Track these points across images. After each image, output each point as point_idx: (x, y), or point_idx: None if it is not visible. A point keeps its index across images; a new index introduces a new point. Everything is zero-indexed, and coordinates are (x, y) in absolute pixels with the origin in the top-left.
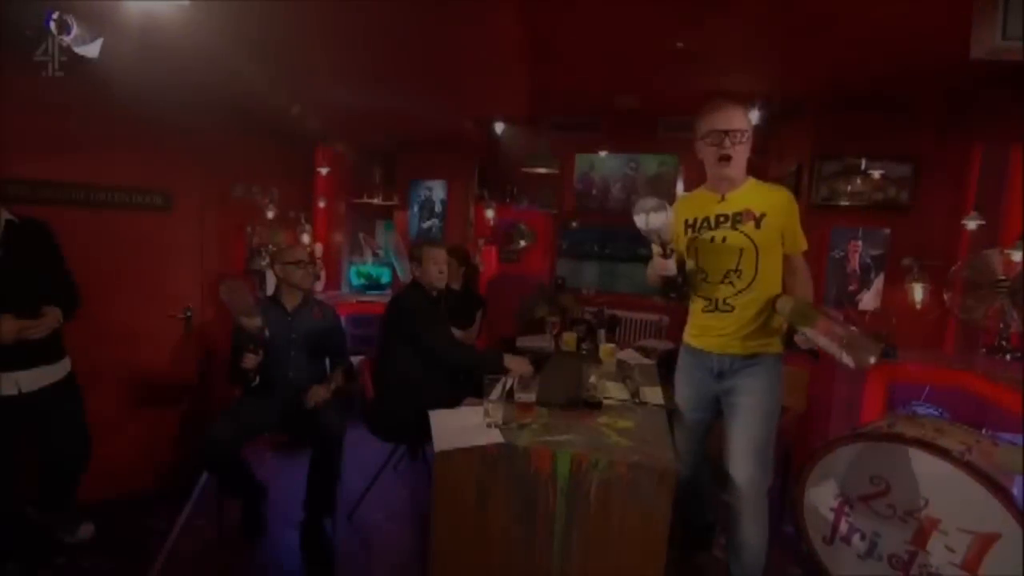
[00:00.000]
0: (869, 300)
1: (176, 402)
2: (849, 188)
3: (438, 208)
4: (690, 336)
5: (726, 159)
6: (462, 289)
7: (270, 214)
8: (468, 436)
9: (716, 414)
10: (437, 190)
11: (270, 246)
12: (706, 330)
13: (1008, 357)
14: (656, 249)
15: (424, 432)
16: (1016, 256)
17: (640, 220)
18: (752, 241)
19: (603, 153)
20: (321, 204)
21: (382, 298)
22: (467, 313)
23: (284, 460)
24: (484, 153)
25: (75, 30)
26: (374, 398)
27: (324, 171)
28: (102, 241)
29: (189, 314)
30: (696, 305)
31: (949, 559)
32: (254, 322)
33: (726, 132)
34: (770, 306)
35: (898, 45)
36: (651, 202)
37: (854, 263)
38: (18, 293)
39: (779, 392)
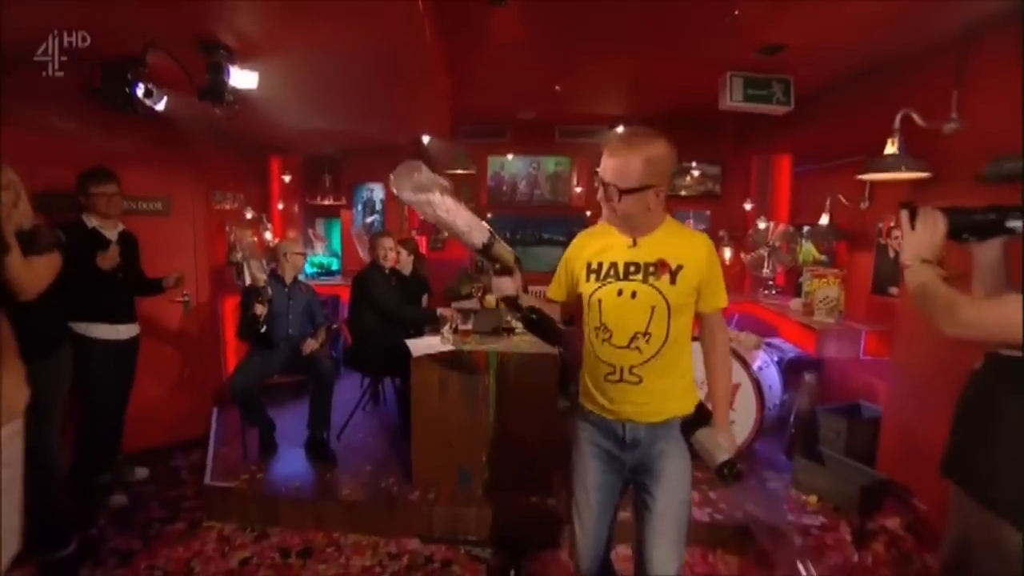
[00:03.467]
0: None
1: (179, 369)
2: (685, 182)
3: (378, 206)
4: (590, 402)
5: (611, 210)
6: (412, 275)
7: (249, 215)
8: (432, 348)
9: (625, 486)
10: (377, 191)
11: (243, 240)
12: (613, 401)
13: (773, 292)
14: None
15: (387, 367)
16: (761, 226)
17: (405, 194)
18: (665, 299)
19: (510, 156)
20: (280, 206)
21: (332, 282)
22: (416, 296)
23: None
24: (415, 159)
25: (155, 95)
26: (351, 345)
27: (287, 178)
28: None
29: (187, 298)
30: (597, 370)
31: None
32: (262, 276)
33: (606, 184)
34: (681, 370)
35: (705, 84)
36: (414, 174)
37: None
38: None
39: (688, 469)
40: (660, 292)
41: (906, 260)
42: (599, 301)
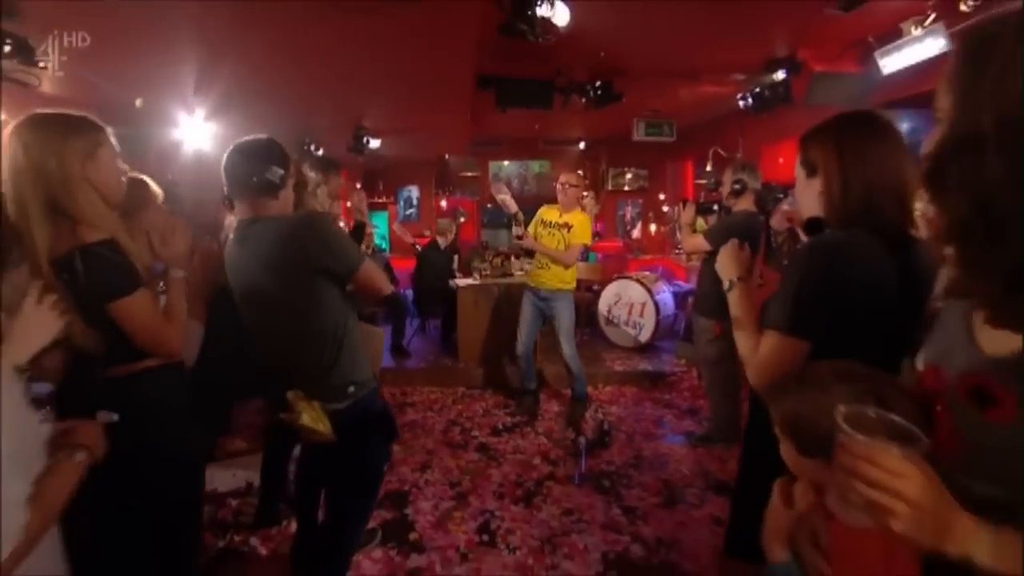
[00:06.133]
0: (636, 233)
1: None
2: (625, 180)
3: (415, 202)
4: (529, 279)
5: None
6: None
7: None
8: (470, 282)
9: (544, 321)
10: (414, 191)
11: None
12: (536, 277)
13: (678, 251)
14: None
15: (430, 311)
16: (665, 209)
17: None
18: (565, 238)
19: (506, 162)
20: (348, 204)
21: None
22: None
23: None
24: (439, 168)
25: (318, 149)
26: (413, 299)
27: (358, 185)
28: None
29: None
30: (534, 266)
31: (635, 313)
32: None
33: (561, 184)
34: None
35: (629, 123)
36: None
37: (628, 216)
38: None
39: (573, 309)
40: (563, 235)
41: (679, 225)
42: (543, 235)
